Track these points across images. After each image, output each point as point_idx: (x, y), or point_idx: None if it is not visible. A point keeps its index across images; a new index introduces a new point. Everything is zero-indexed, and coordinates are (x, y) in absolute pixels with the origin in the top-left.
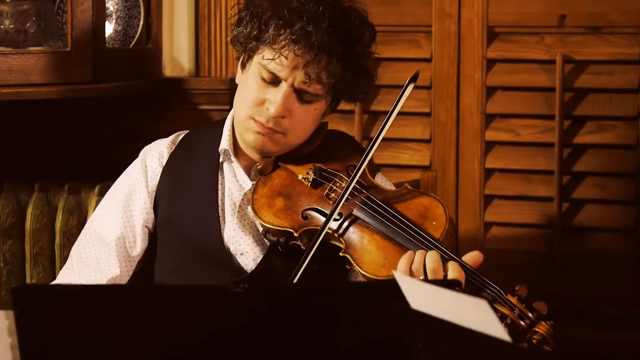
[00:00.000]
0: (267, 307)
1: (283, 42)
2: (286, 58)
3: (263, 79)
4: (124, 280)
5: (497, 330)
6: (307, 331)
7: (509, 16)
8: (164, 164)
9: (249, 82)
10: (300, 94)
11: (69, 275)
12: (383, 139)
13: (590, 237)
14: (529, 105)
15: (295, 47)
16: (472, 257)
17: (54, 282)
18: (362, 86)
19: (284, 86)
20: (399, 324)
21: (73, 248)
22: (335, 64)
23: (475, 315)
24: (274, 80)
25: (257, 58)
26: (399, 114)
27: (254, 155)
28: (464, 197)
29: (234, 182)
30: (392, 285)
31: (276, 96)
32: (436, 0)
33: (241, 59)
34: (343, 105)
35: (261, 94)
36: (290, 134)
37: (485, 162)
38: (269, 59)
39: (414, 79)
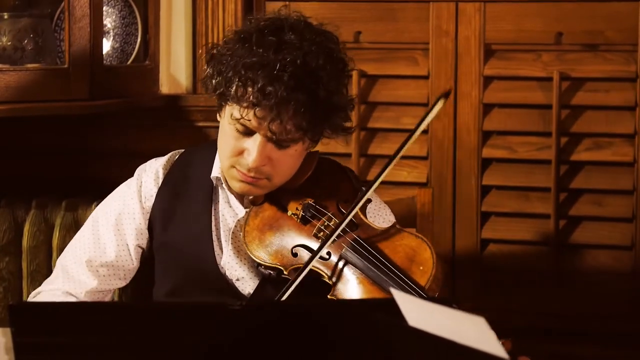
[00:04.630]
0: (264, 324)
1: (244, 104)
2: (250, 119)
3: (238, 130)
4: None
5: (494, 347)
6: (304, 348)
7: (506, 34)
8: (159, 185)
9: (226, 129)
10: (275, 142)
11: (54, 284)
12: (381, 156)
13: (587, 254)
14: (525, 123)
15: (256, 109)
16: None
17: (38, 289)
18: (337, 122)
19: (258, 137)
20: (397, 341)
21: (60, 261)
22: (301, 114)
23: (472, 332)
24: (248, 132)
25: (228, 110)
26: (397, 130)
27: None
28: (460, 214)
29: (227, 208)
30: (390, 303)
31: (253, 146)
32: (433, 17)
33: (217, 102)
34: None
35: (239, 144)
36: (274, 177)
37: (482, 179)
38: (236, 118)
39: (445, 95)
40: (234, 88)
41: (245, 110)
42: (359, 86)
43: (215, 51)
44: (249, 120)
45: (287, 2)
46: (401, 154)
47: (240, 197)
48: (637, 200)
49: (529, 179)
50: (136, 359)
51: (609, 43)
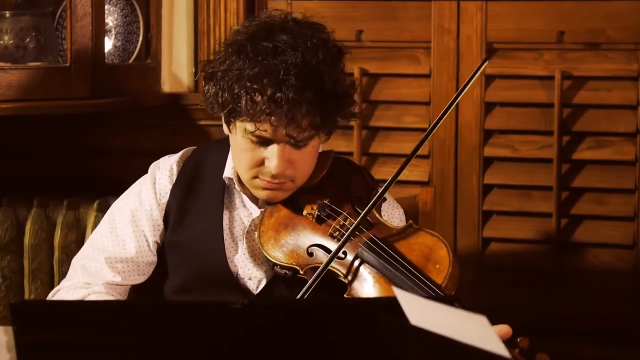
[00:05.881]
0: (266, 322)
1: (257, 115)
2: (266, 129)
3: (253, 142)
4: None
5: (496, 346)
6: (306, 347)
7: (507, 32)
8: (174, 181)
9: (240, 143)
10: (293, 144)
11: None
12: (383, 155)
13: (589, 253)
14: (527, 121)
15: (271, 118)
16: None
17: (57, 287)
18: (347, 109)
19: (275, 145)
20: (398, 340)
21: (77, 260)
22: (313, 112)
23: (475, 331)
24: (264, 141)
25: (239, 125)
26: (399, 129)
27: None
28: (462, 212)
29: (242, 208)
30: (391, 302)
31: (272, 153)
32: (435, 16)
33: (223, 119)
34: None
35: (257, 154)
36: (297, 178)
37: (484, 178)
38: (251, 131)
39: (488, 57)
40: (243, 103)
41: (259, 121)
42: (360, 85)
43: (210, 68)
44: (265, 131)
45: (289, 1)
46: (428, 138)
47: (254, 197)
48: (638, 199)
49: (531, 177)
50: (138, 358)
51: (610, 42)
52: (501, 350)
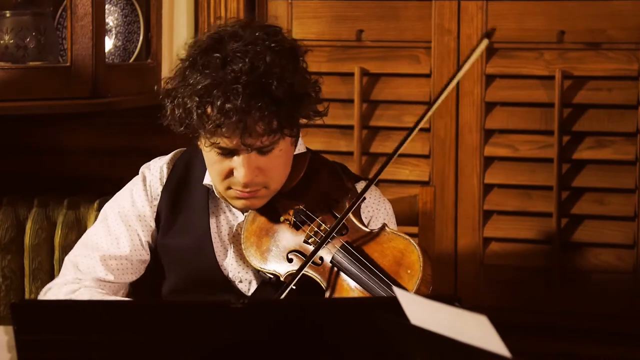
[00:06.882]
0: (267, 322)
1: (210, 128)
2: (222, 141)
3: (218, 154)
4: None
5: (497, 345)
6: (306, 347)
7: (508, 32)
8: (164, 183)
9: (208, 157)
10: (258, 150)
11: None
12: (383, 155)
13: (589, 252)
14: (528, 121)
15: (223, 130)
16: None
17: (49, 284)
18: (308, 108)
19: (240, 154)
20: (398, 340)
21: (69, 258)
22: (267, 117)
23: (475, 330)
24: (228, 152)
25: (202, 139)
26: (399, 128)
27: None
28: (463, 212)
29: (228, 212)
30: (392, 301)
31: (238, 163)
32: (435, 15)
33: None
34: (343, 121)
35: (225, 165)
36: (271, 183)
37: (485, 178)
38: (210, 144)
39: (488, 35)
40: (195, 117)
41: (214, 133)
42: (361, 84)
43: (168, 86)
44: (221, 142)
45: (289, 1)
46: (420, 125)
47: None
48: (639, 198)
49: (531, 177)
50: (137, 358)
51: (611, 41)
52: (501, 350)
